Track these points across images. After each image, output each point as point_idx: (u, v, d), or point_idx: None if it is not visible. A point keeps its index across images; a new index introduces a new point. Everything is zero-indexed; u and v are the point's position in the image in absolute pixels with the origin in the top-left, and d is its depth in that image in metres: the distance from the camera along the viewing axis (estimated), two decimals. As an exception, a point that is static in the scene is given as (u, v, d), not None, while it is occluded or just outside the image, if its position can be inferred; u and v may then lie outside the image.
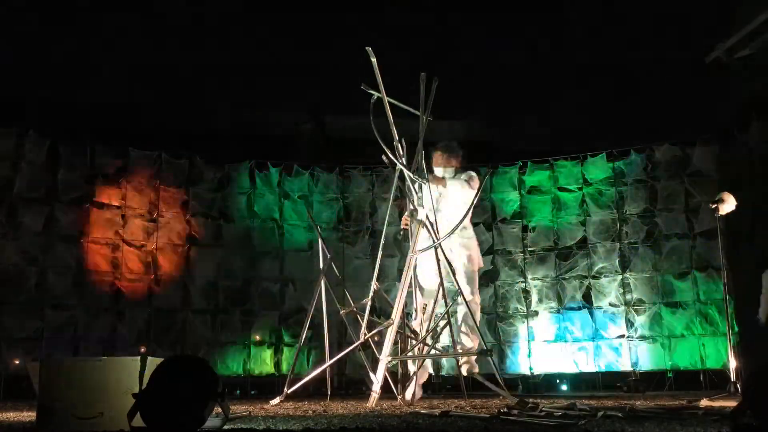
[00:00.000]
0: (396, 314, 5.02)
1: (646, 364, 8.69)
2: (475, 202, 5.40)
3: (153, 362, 3.08)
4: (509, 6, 7.14)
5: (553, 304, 9.26)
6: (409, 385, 4.89)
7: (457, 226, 5.30)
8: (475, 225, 9.64)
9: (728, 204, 5.02)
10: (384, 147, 5.30)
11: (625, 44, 7.67)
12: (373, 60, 5.08)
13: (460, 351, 5.28)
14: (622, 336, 8.84)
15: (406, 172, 5.39)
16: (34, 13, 6.94)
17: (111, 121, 8.62)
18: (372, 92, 5.31)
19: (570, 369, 9.06)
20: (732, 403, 3.53)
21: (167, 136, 8.99)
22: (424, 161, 5.47)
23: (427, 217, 5.36)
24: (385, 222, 5.80)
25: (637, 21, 7.42)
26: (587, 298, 9.16)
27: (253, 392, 8.65)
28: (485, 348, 5.66)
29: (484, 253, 9.60)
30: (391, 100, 5.48)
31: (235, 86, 8.38)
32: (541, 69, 8.25)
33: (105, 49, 7.75)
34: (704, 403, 4.21)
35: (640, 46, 7.70)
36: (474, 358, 5.35)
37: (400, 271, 7.16)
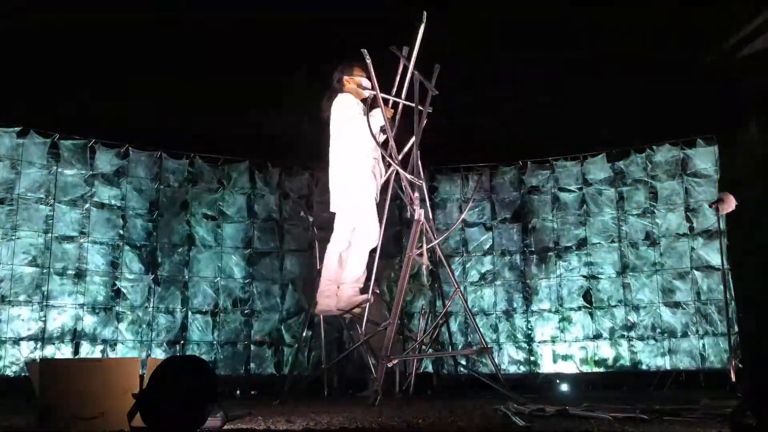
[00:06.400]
0: (395, 315, 5.03)
1: (646, 364, 8.69)
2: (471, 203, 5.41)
3: (153, 362, 3.08)
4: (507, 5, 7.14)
5: (553, 304, 9.27)
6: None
7: (456, 225, 5.30)
8: (474, 225, 9.72)
9: (728, 204, 5.01)
10: (380, 146, 5.31)
11: (625, 43, 7.65)
12: (368, 61, 5.10)
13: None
14: (622, 336, 8.85)
15: (402, 173, 5.40)
16: (33, 10, 6.94)
17: (111, 120, 8.59)
18: (368, 90, 5.31)
19: (570, 369, 9.06)
20: (732, 403, 3.53)
21: (167, 136, 8.97)
22: (419, 160, 5.47)
23: (425, 218, 5.37)
24: (384, 222, 5.81)
25: (637, 20, 7.41)
26: (587, 298, 9.16)
27: (253, 392, 8.66)
28: (485, 346, 5.68)
29: (483, 253, 9.66)
30: (390, 97, 5.49)
31: (235, 86, 8.36)
32: (540, 68, 8.23)
33: (105, 48, 7.73)
34: (704, 403, 4.21)
35: (640, 46, 7.68)
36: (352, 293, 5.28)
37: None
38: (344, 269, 5.58)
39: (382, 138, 5.48)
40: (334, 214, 5.91)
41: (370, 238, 5.59)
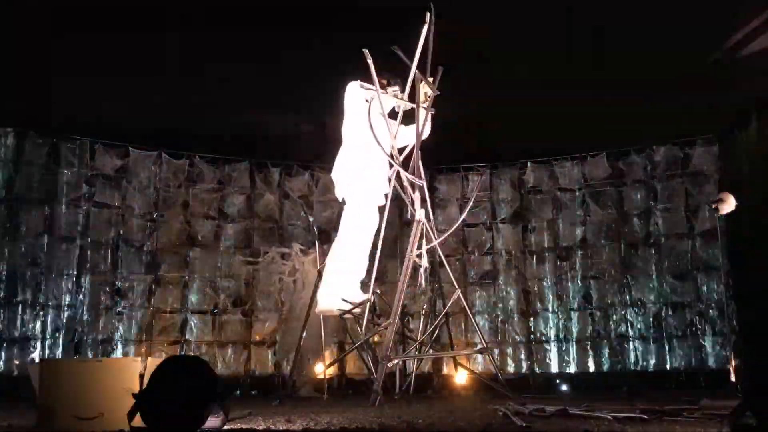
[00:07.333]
0: (395, 314, 5.03)
1: (646, 364, 8.69)
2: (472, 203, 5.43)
3: (153, 362, 3.08)
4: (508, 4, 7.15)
5: (553, 304, 9.26)
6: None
7: (456, 225, 5.30)
8: (474, 225, 9.71)
9: (728, 204, 5.02)
10: (381, 147, 5.31)
11: (625, 44, 7.64)
12: (370, 61, 5.10)
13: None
14: (622, 336, 8.84)
15: (403, 173, 5.40)
16: (34, 12, 6.94)
17: (111, 120, 8.59)
18: (369, 88, 5.32)
19: (570, 369, 9.06)
20: (732, 403, 3.53)
21: (167, 136, 8.97)
22: (420, 160, 5.48)
23: (425, 218, 5.37)
24: (384, 222, 5.81)
25: (637, 20, 7.41)
26: (587, 298, 9.16)
27: (253, 392, 8.65)
28: (485, 347, 5.68)
29: (483, 254, 9.64)
30: (389, 97, 5.49)
31: (236, 85, 8.35)
32: (540, 68, 8.22)
33: (105, 48, 7.72)
34: (704, 403, 4.21)
35: (641, 46, 7.68)
36: None
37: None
38: (346, 263, 5.58)
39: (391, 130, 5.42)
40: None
41: (368, 230, 5.58)
